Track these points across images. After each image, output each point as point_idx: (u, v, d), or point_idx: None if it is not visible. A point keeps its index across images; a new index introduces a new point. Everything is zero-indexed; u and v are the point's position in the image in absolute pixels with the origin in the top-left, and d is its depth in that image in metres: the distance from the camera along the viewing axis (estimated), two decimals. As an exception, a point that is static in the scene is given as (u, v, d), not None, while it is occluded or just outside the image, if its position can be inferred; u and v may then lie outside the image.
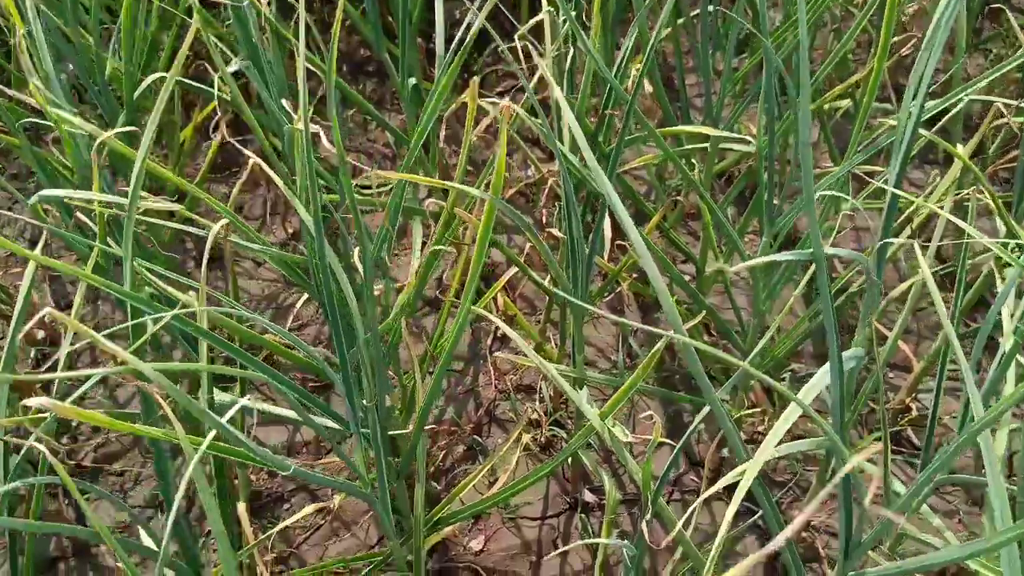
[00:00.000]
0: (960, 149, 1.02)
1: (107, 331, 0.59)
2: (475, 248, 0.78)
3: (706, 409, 0.77)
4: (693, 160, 1.18)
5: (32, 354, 1.55)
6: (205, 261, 0.75)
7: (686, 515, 0.67)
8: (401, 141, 1.53)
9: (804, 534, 1.28)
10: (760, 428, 1.42)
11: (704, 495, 0.67)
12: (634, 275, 1.37)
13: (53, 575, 1.30)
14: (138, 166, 0.70)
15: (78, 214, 0.87)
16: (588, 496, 1.37)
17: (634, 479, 1.40)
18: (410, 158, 0.98)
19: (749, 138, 0.88)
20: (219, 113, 1.03)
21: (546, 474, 0.97)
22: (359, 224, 0.74)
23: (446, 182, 0.76)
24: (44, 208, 1.58)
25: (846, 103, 1.66)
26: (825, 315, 0.56)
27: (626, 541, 0.66)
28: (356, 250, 0.84)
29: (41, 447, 0.62)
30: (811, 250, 0.56)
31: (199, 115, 1.68)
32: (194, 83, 1.05)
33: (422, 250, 1.63)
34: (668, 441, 1.42)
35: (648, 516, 0.71)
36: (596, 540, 0.65)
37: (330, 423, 0.89)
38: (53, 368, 1.50)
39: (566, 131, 0.94)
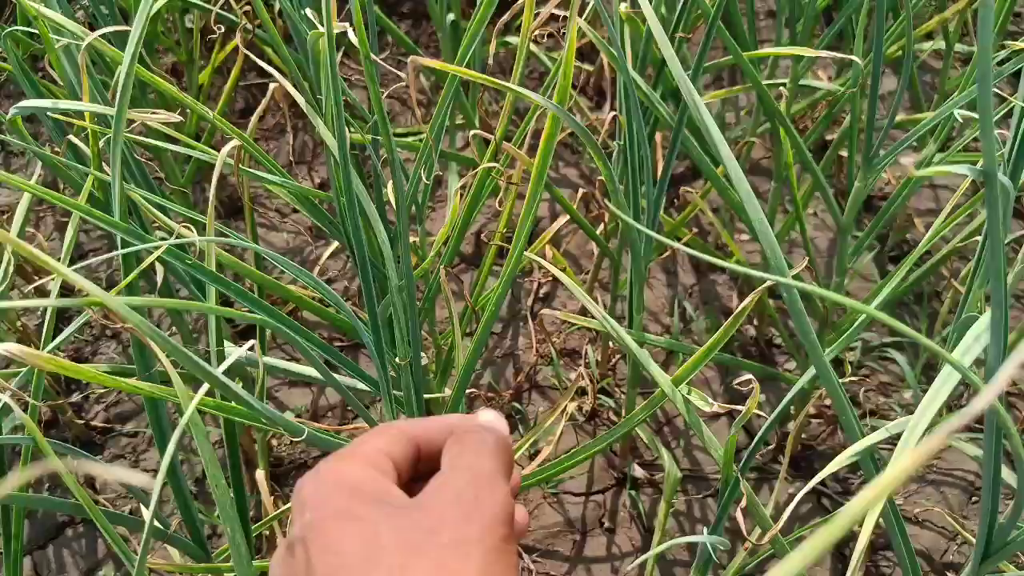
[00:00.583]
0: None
1: (87, 262, 0.47)
2: (536, 161, 0.66)
3: (804, 378, 0.64)
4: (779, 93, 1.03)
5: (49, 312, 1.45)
6: (215, 183, 0.63)
7: (786, 514, 0.54)
8: (440, 78, 1.40)
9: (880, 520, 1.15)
10: (827, 402, 1.29)
11: (808, 486, 0.54)
12: (694, 230, 1.24)
13: (62, 542, 1.21)
14: (126, 65, 0.57)
15: (76, 141, 0.76)
16: (638, 471, 1.25)
17: (690, 454, 1.28)
18: (449, 89, 0.85)
19: (854, 58, 0.74)
20: (238, 34, 0.91)
21: (599, 450, 0.85)
22: (385, 129, 0.61)
23: (502, 82, 0.63)
24: (55, 150, 1.47)
25: (928, 46, 1.51)
26: (993, 251, 0.44)
27: (713, 535, 0.54)
28: (390, 184, 0.72)
29: (9, 400, 0.52)
30: (981, 167, 0.43)
31: (219, 55, 1.56)
32: (205, 4, 0.92)
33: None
34: (720, 409, 1.30)
35: (742, 504, 0.59)
36: (692, 538, 0.53)
37: (358, 383, 0.77)
38: (62, 323, 1.40)
39: (629, 49, 0.81)
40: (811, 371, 0.62)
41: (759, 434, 0.64)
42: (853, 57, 0.75)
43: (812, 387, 1.17)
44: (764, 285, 0.58)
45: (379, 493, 0.37)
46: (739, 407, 0.62)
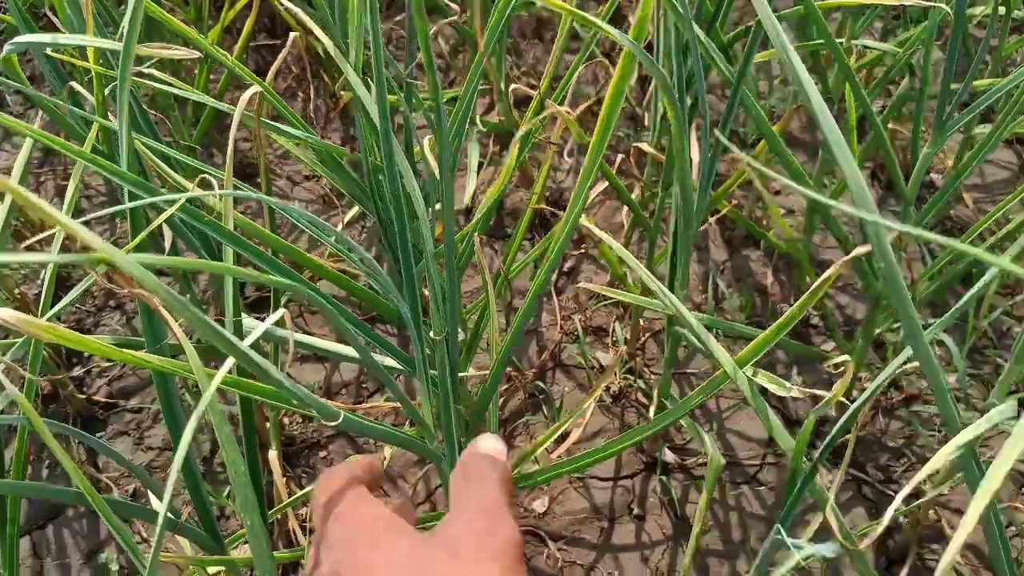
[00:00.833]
0: None
1: (88, 217, 0.41)
2: (605, 104, 0.59)
3: (898, 359, 0.57)
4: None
5: (49, 276, 1.38)
6: (233, 131, 0.56)
7: (886, 517, 0.47)
8: (465, 35, 1.32)
9: (930, 512, 1.09)
10: (867, 384, 1.23)
11: (904, 490, 0.48)
12: (734, 202, 1.17)
13: (62, 522, 1.15)
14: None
15: (79, 88, 0.69)
16: (669, 455, 1.18)
17: (723, 438, 1.22)
18: (490, 41, 0.77)
19: (940, 4, 0.67)
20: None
21: (640, 440, 0.78)
22: (432, 71, 0.54)
23: (564, 4, 0.56)
24: (57, 107, 1.40)
25: (979, 12, 1.42)
26: None
27: (828, 543, 0.48)
28: (427, 140, 0.65)
29: (2, 377, 0.45)
30: None
31: (229, 13, 1.48)
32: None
33: (478, 172, 1.44)
34: (799, 393, 1.23)
35: (830, 502, 0.52)
36: (812, 549, 0.46)
37: (390, 361, 0.70)
38: (61, 292, 1.33)
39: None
40: (906, 351, 0.55)
41: (839, 423, 0.57)
42: (938, 4, 0.68)
43: (858, 369, 1.10)
44: (857, 251, 0.51)
45: (398, 527, 0.42)
46: (822, 392, 0.55)
